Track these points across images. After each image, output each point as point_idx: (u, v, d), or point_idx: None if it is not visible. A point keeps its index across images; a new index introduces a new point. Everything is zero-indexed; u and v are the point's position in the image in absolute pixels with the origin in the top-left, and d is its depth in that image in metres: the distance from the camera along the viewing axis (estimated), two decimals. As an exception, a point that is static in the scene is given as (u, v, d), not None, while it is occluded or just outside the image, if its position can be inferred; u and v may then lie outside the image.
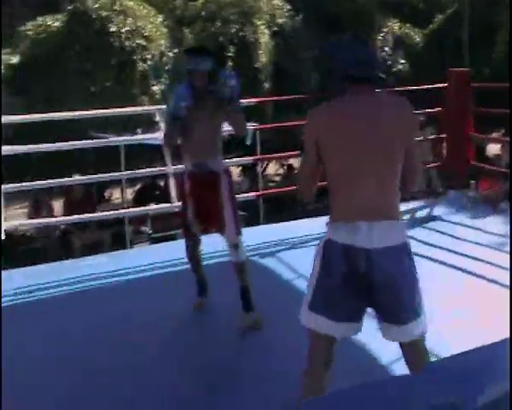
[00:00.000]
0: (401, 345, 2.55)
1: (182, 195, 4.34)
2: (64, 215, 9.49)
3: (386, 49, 14.22)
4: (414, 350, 2.54)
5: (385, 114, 2.48)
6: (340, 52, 2.57)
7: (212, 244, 4.70)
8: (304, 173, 2.65)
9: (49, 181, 6.46)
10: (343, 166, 2.46)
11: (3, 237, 5.37)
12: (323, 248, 2.50)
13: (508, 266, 4.85)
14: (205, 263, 4.63)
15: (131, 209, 8.99)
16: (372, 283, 2.41)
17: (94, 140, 8.67)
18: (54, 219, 9.27)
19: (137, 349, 3.88)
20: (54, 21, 11.19)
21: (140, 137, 8.91)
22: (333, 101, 2.53)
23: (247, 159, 8.09)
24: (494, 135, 14.05)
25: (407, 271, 2.46)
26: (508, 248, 5.31)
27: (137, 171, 8.17)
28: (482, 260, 5.06)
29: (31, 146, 6.41)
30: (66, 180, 7.24)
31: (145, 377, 3.54)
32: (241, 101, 4.21)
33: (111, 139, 8.79)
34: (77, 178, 8.22)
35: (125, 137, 8.70)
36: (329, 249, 2.47)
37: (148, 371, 3.62)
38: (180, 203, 4.42)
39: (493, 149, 14.72)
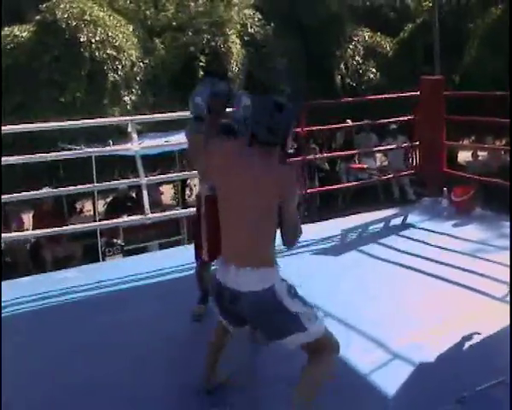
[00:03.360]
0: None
1: (198, 216, 4.34)
2: (34, 228, 9.35)
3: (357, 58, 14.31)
4: (308, 352, 2.85)
5: (258, 173, 2.76)
6: (252, 109, 3.11)
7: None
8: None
9: (19, 194, 6.34)
10: (222, 207, 2.87)
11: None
12: (213, 277, 3.00)
13: (483, 272, 4.88)
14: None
15: (104, 222, 8.88)
16: (240, 315, 2.87)
17: (65, 152, 8.56)
18: (24, 233, 9.14)
19: (115, 363, 3.80)
20: (22, 31, 11.04)
21: (112, 148, 8.80)
22: (233, 141, 3.12)
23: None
24: (465, 142, 14.18)
25: (272, 310, 2.77)
26: (483, 255, 5.34)
27: (109, 182, 8.06)
28: (457, 267, 5.07)
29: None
30: (36, 193, 7.11)
31: (122, 391, 3.48)
32: None
33: (82, 151, 8.69)
34: (47, 190, 8.09)
35: (96, 149, 8.60)
36: (214, 280, 2.97)
37: (126, 384, 3.55)
38: (194, 226, 4.45)
39: (464, 155, 14.86)
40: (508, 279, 4.61)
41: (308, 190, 8.31)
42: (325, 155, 12.22)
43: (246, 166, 2.81)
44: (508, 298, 4.34)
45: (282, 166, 2.85)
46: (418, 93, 7.35)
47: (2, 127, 6.61)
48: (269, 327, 2.85)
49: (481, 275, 4.84)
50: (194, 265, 4.51)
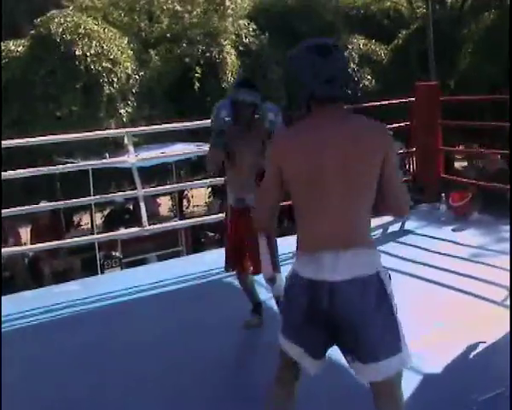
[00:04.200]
0: (371, 384, 2.32)
1: (225, 228, 4.32)
2: (32, 242, 9.32)
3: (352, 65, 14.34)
4: (384, 390, 2.31)
5: (350, 138, 2.27)
6: (299, 67, 2.32)
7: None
8: (264, 202, 2.46)
9: (16, 209, 6.32)
10: (306, 194, 2.29)
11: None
12: (288, 281, 2.39)
13: (482, 277, 4.87)
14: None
15: (101, 235, 8.88)
16: (336, 319, 2.24)
17: (62, 165, 8.55)
18: (22, 248, 9.11)
19: (117, 377, 3.79)
20: (17, 46, 11.05)
21: (108, 160, 8.80)
22: (296, 125, 2.35)
23: (217, 180, 8.03)
24: (461, 148, 14.20)
25: (377, 304, 2.24)
26: (482, 260, 5.34)
27: (106, 195, 8.06)
28: (456, 273, 5.06)
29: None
30: (33, 207, 7.09)
31: (124, 405, 3.46)
32: None
33: (79, 164, 8.69)
34: (45, 204, 8.07)
35: (93, 162, 8.59)
36: (293, 282, 2.35)
37: (127, 398, 3.53)
38: (225, 236, 4.41)
39: (460, 162, 14.89)
40: (507, 283, 4.60)
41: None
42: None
43: (331, 137, 2.27)
44: (507, 302, 4.33)
45: (374, 122, 2.37)
46: (413, 99, 7.36)
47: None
48: (369, 337, 2.23)
49: (481, 280, 4.83)
50: (194, 276, 4.51)
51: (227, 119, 3.90)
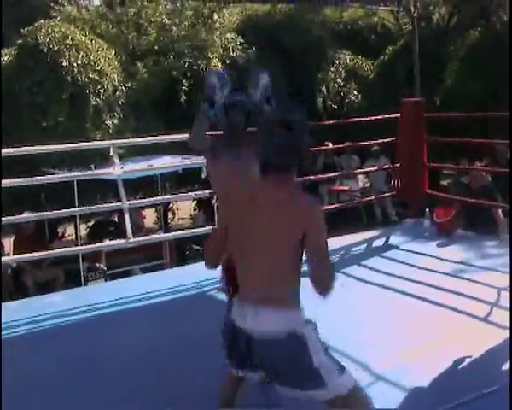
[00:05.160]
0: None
1: None
2: (15, 253, 9.25)
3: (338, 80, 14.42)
4: (335, 405, 2.49)
5: (276, 207, 2.46)
6: (265, 139, 2.55)
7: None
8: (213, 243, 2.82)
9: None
10: (236, 245, 2.55)
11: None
12: (226, 312, 2.71)
13: (466, 292, 4.89)
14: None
15: (86, 246, 8.83)
16: (256, 361, 2.53)
17: (47, 176, 8.50)
18: (5, 258, 9.02)
19: (102, 388, 3.76)
20: (3, 55, 11.02)
21: (94, 172, 8.77)
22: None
23: (203, 192, 8.03)
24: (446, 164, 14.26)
25: (291, 358, 2.43)
26: (465, 275, 5.36)
27: (91, 206, 8.02)
28: (440, 288, 5.08)
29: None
30: (17, 217, 7.05)
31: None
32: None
33: (64, 174, 8.64)
34: (29, 214, 8.02)
35: (78, 173, 8.55)
36: (227, 317, 2.67)
37: (111, 408, 3.51)
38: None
39: (446, 177, 14.95)
40: (490, 299, 4.64)
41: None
42: (309, 177, 12.24)
43: (261, 199, 2.49)
44: (491, 318, 4.36)
45: (302, 197, 2.55)
46: (399, 115, 7.40)
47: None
48: (285, 377, 2.48)
49: (464, 295, 4.85)
50: (178, 289, 4.48)
51: (213, 85, 3.64)
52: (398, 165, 7.55)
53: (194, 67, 12.10)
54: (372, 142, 8.56)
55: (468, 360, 3.74)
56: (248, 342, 2.49)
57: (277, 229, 2.43)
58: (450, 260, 5.87)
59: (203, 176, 7.01)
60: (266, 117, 2.75)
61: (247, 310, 2.49)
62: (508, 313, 4.34)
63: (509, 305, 4.48)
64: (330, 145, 10.78)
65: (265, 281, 2.46)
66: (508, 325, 4.10)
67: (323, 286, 2.48)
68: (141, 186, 11.65)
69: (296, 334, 2.44)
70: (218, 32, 12.96)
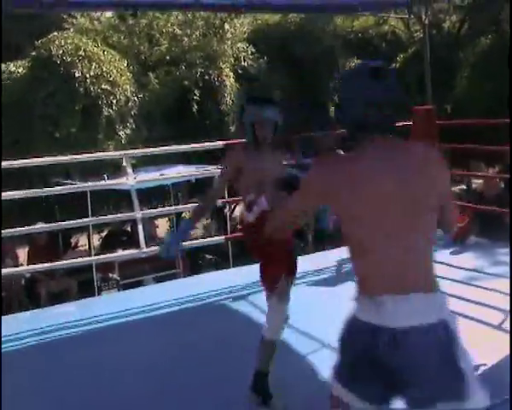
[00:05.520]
0: None
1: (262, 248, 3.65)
2: (29, 263, 9.30)
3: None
4: None
5: (412, 168, 2.05)
6: (350, 91, 2.11)
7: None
8: (284, 218, 2.31)
9: (14, 229, 6.32)
10: (364, 231, 2.03)
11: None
12: (346, 325, 2.13)
13: (479, 300, 4.87)
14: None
15: (99, 256, 8.86)
16: (395, 368, 2.00)
17: (60, 187, 8.56)
18: (19, 268, 9.08)
19: (112, 397, 3.77)
20: (17, 67, 11.13)
21: (107, 182, 8.82)
22: (347, 153, 2.15)
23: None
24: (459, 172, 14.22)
25: (441, 355, 1.99)
26: (479, 283, 5.33)
27: (104, 217, 8.06)
28: (453, 295, 5.04)
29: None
30: (31, 228, 7.09)
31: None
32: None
33: (78, 185, 8.70)
34: (42, 225, 8.07)
35: (91, 183, 8.60)
36: (351, 326, 2.11)
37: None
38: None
39: (459, 185, 14.91)
40: (504, 307, 4.61)
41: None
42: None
43: (389, 168, 2.02)
44: (504, 325, 4.33)
45: (429, 148, 2.18)
46: (411, 123, 7.39)
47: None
48: (430, 383, 1.98)
49: (478, 303, 4.82)
50: (191, 298, 4.45)
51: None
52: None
53: (206, 77, 12.15)
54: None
55: (481, 368, 3.71)
56: (392, 341, 1.98)
57: (423, 192, 2.04)
58: (464, 268, 5.84)
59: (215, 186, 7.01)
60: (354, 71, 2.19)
61: (386, 302, 1.99)
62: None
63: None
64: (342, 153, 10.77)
65: (411, 263, 2.03)
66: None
67: (450, 221, 2.31)
68: (153, 196, 11.70)
69: (447, 324, 2.04)
70: (230, 42, 13.01)
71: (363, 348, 2.03)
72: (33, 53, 11.22)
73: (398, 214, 2.01)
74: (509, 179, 7.68)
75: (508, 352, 3.82)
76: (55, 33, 11.43)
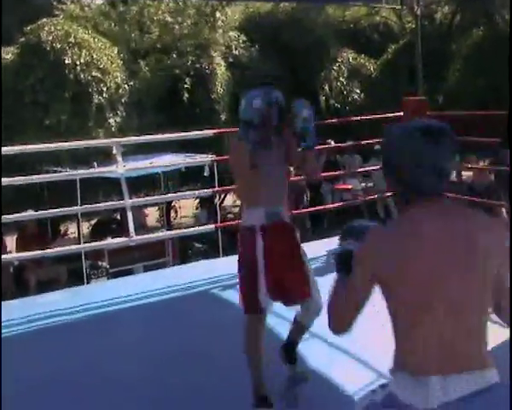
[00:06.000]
0: None
1: (249, 256, 3.36)
2: (17, 251, 9.27)
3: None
4: None
5: (463, 236, 1.87)
6: (402, 153, 1.93)
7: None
8: (348, 313, 2.04)
9: (2, 216, 6.27)
10: (412, 302, 1.87)
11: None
12: (384, 403, 1.96)
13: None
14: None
15: (88, 244, 8.83)
16: None
17: (49, 174, 8.51)
18: (7, 256, 9.04)
19: (101, 385, 3.75)
20: (6, 54, 11.03)
21: (96, 170, 8.77)
22: (392, 222, 2.02)
23: (205, 191, 8.04)
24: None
25: None
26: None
27: (94, 205, 8.03)
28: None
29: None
30: (20, 215, 7.05)
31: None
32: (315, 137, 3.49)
33: (67, 173, 8.65)
34: (31, 213, 8.03)
35: (81, 171, 8.56)
36: (391, 406, 1.92)
37: (112, 404, 3.51)
38: (244, 267, 3.42)
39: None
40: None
41: (293, 212, 8.32)
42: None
43: (441, 235, 1.87)
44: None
45: (489, 218, 2.02)
46: (401, 114, 7.39)
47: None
48: None
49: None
50: (181, 287, 4.44)
51: (259, 108, 3.31)
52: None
53: (197, 66, 12.10)
54: (375, 140, 8.55)
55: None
56: None
57: (475, 263, 1.86)
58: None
59: (205, 174, 7.00)
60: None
61: (434, 385, 1.83)
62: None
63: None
64: (333, 144, 10.78)
65: (463, 341, 1.86)
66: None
67: (506, 317, 2.00)
68: (143, 184, 11.67)
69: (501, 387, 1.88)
70: (221, 31, 12.95)
71: None
72: (22, 39, 11.11)
73: (449, 287, 1.85)
74: (498, 172, 7.71)
75: (497, 340, 3.83)
76: (45, 19, 11.31)
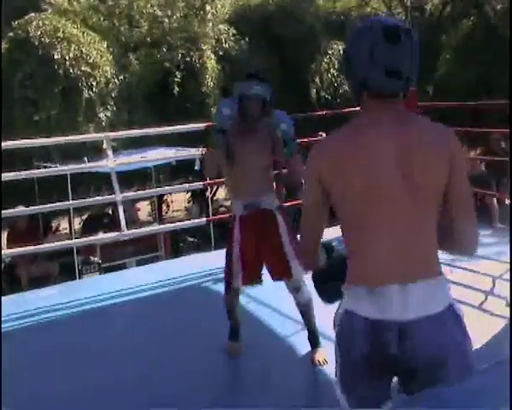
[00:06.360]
0: None
1: (228, 246, 3.74)
2: (8, 247, 9.23)
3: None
4: None
5: (415, 142, 1.86)
6: (356, 49, 1.90)
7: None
8: (309, 234, 2.03)
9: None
10: (363, 213, 1.85)
11: None
12: (341, 323, 1.93)
13: (460, 281, 4.90)
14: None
15: (80, 240, 8.81)
16: (408, 366, 1.85)
17: (40, 170, 8.48)
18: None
19: (95, 379, 3.75)
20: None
21: (87, 165, 8.74)
22: (344, 126, 1.94)
23: (197, 184, 8.01)
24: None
25: (456, 343, 1.86)
26: (458, 264, 5.36)
27: (85, 200, 8.00)
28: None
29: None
30: (10, 211, 7.02)
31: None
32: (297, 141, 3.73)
33: (57, 168, 8.62)
34: (22, 209, 8.00)
35: (71, 166, 8.52)
36: (348, 324, 1.90)
37: (105, 400, 3.50)
38: (226, 256, 3.78)
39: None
40: (484, 287, 4.65)
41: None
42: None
43: (392, 141, 1.84)
44: (485, 305, 4.37)
45: (439, 124, 1.96)
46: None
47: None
48: (440, 370, 1.83)
49: (458, 284, 4.85)
50: (173, 281, 4.47)
51: (228, 115, 3.50)
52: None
53: (187, 59, 12.06)
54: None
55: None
56: (402, 335, 1.81)
57: (427, 168, 1.84)
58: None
59: (196, 168, 6.98)
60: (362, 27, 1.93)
61: (390, 293, 1.81)
62: (502, 301, 4.37)
63: (502, 293, 4.51)
64: (324, 135, 10.79)
65: (416, 248, 1.84)
66: (502, 312, 4.12)
67: (470, 246, 2.00)
68: (135, 179, 11.65)
69: (453, 305, 1.88)
70: (211, 24, 12.90)
71: (369, 347, 1.84)
72: (10, 34, 11.04)
73: (400, 195, 1.83)
74: (489, 162, 7.74)
75: (488, 331, 3.86)
76: (33, 14, 11.25)
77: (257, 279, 3.73)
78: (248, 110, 3.51)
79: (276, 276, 3.65)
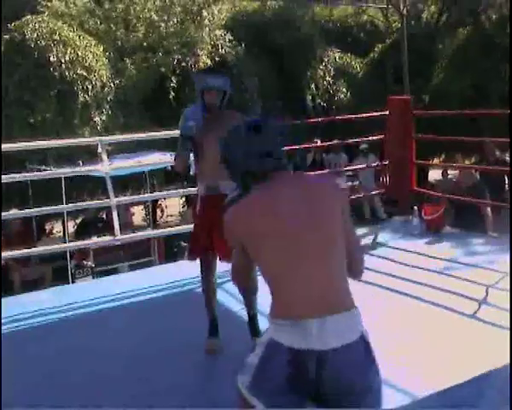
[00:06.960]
0: None
1: (194, 217, 4.25)
2: (1, 250, 9.19)
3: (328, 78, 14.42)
4: None
5: (309, 195, 2.20)
6: (235, 148, 2.32)
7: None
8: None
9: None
10: (279, 258, 2.12)
11: None
12: (265, 349, 2.14)
13: (453, 290, 4.90)
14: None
15: (73, 243, 8.78)
16: (324, 391, 2.08)
17: (34, 172, 8.46)
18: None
19: (87, 384, 3.73)
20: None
21: (82, 168, 8.73)
22: (248, 196, 2.26)
23: (190, 190, 7.99)
24: (435, 161, 14.33)
25: (366, 367, 2.12)
26: (453, 273, 5.37)
27: (79, 203, 7.98)
28: (427, 285, 5.08)
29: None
30: (4, 214, 6.99)
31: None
32: None
33: (52, 171, 8.60)
34: (16, 211, 7.98)
35: (66, 169, 8.51)
36: (271, 352, 2.12)
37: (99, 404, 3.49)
38: (192, 225, 4.28)
39: (435, 174, 15.01)
40: (477, 296, 4.65)
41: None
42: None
43: (290, 197, 2.19)
44: (478, 314, 4.37)
45: (325, 178, 2.35)
46: (387, 113, 7.41)
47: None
48: (350, 393, 2.09)
49: (452, 292, 4.86)
50: (166, 286, 4.44)
51: (192, 123, 3.84)
52: (387, 163, 7.56)
53: (183, 64, 12.07)
54: (361, 139, 8.58)
55: (454, 355, 3.75)
56: (320, 363, 2.06)
57: (325, 214, 2.18)
58: (439, 258, 5.87)
59: (191, 173, 6.98)
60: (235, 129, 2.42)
61: (309, 325, 2.06)
62: (495, 310, 4.37)
63: (496, 302, 4.51)
64: (319, 142, 10.79)
65: (330, 284, 2.12)
66: (495, 321, 4.12)
67: (361, 269, 2.32)
68: (129, 183, 11.63)
69: (364, 337, 2.16)
70: (207, 29, 12.93)
71: (289, 373, 2.06)
72: (6, 36, 11.02)
73: (308, 239, 2.12)
74: (482, 172, 7.76)
75: (481, 340, 3.86)
76: (29, 16, 11.25)
77: (206, 253, 4.05)
78: (209, 101, 3.86)
79: (223, 258, 3.86)
